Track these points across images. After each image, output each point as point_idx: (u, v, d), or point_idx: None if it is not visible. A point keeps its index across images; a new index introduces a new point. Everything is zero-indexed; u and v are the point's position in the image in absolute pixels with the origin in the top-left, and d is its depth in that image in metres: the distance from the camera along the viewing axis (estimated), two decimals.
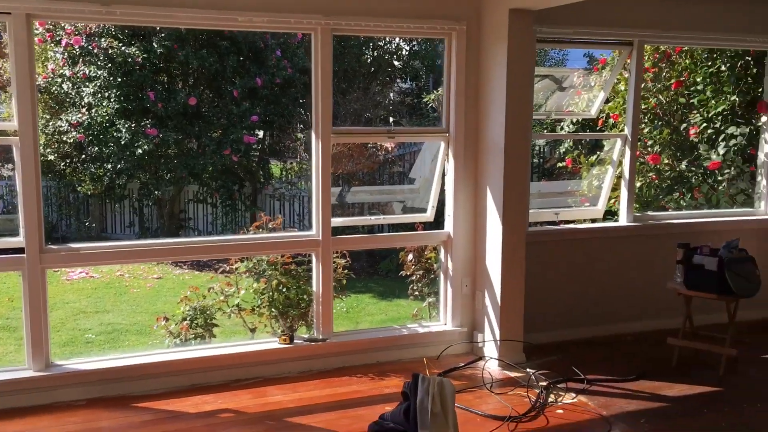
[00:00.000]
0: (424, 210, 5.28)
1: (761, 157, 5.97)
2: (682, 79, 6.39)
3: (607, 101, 6.46)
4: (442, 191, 5.13)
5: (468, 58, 4.85)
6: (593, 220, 5.97)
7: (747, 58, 6.22)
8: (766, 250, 5.78)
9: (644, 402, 4.26)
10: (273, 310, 4.96)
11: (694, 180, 6.35)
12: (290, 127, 10.32)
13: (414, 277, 5.41)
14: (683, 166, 6.35)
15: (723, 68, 6.23)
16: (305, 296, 4.95)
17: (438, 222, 5.30)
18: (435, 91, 8.74)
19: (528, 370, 4.67)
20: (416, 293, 5.44)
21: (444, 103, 4.98)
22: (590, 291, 5.39)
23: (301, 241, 4.76)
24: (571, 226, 5.59)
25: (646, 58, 6.49)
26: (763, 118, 5.92)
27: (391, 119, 7.55)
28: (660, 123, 6.43)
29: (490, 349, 4.89)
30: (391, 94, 10.12)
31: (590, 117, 6.07)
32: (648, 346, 5.25)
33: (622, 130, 5.61)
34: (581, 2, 4.58)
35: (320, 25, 4.50)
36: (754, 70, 6.16)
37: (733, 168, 6.09)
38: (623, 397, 4.33)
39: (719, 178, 6.21)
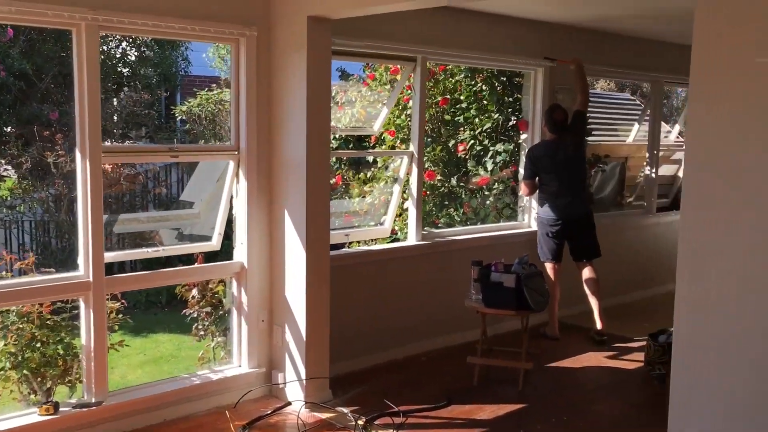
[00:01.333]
0: (208, 238, 4.64)
1: (521, 172, 6.30)
2: (447, 96, 6.52)
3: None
4: (230, 216, 4.56)
5: (259, 67, 4.35)
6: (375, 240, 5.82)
7: (502, 78, 6.55)
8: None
9: (463, 429, 4.13)
10: (24, 372, 3.96)
11: (464, 195, 6.51)
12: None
13: (199, 316, 4.73)
14: (453, 182, 6.47)
15: (484, 87, 6.48)
16: (68, 351, 4.04)
17: (225, 251, 4.70)
18: (187, 102, 7.99)
19: (340, 408, 4.31)
20: (202, 333, 4.76)
21: (232, 117, 4.41)
22: (385, 313, 5.20)
23: (66, 285, 3.85)
24: (366, 248, 5.35)
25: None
26: (523, 136, 6.27)
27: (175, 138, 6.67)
28: (430, 140, 6.49)
29: (294, 390, 4.42)
30: (121, 104, 9.05)
31: (372, 133, 5.91)
32: (445, 364, 5.19)
33: (408, 147, 5.52)
34: (371, 16, 4.39)
35: (85, 21, 3.68)
36: (511, 91, 6.51)
37: (499, 183, 6.36)
38: (442, 428, 4.17)
39: (486, 193, 6.45)
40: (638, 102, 10.55)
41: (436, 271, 5.50)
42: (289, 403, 4.34)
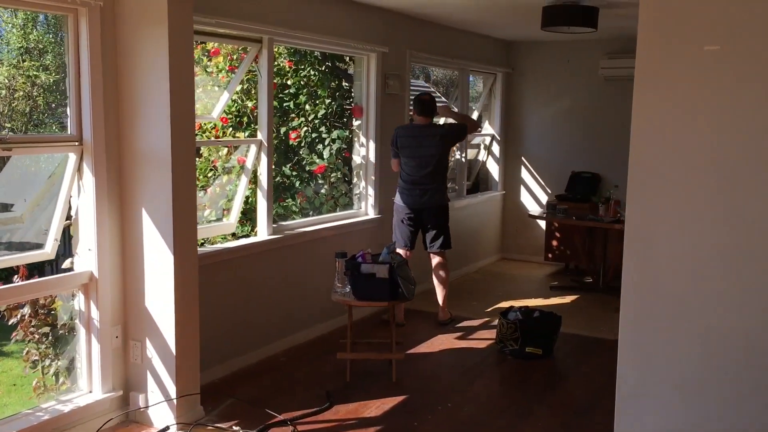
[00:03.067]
0: (39, 245, 3.89)
1: (357, 159, 6.22)
2: (274, 81, 6.19)
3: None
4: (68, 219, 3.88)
5: (104, 44, 3.72)
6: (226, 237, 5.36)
7: (327, 63, 6.38)
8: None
9: (359, 430, 3.95)
10: None
11: (298, 184, 6.25)
12: None
13: (32, 339, 3.96)
14: (287, 170, 6.18)
15: (312, 72, 6.26)
16: None
17: (60, 260, 3.99)
18: None
19: (218, 425, 3.89)
20: (35, 359, 3.99)
21: (71, 103, 3.72)
22: (239, 315, 4.81)
23: None
24: (217, 246, 4.87)
25: (235, 58, 6.09)
26: (356, 122, 6.18)
27: (6, 127, 5.35)
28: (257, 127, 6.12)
29: (158, 412, 3.90)
30: None
31: (212, 120, 5.40)
32: (306, 362, 4.95)
33: (254, 135, 5.14)
34: None
35: None
36: (339, 77, 6.37)
37: (339, 171, 6.19)
38: (336, 431, 3.96)
39: (320, 181, 6.25)
40: (432, 90, 11.00)
41: (288, 265, 5.22)
42: (167, 428, 3.82)
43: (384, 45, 6.04)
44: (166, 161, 3.72)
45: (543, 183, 8.47)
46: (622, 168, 8.00)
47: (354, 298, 4.59)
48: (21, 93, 7.43)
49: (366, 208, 6.19)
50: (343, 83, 6.44)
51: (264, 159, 5.02)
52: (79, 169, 3.78)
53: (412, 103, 6.06)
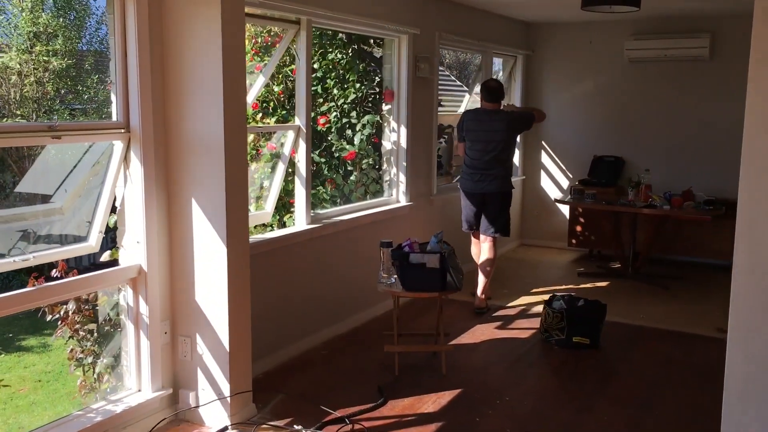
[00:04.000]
0: (82, 238, 3.70)
1: (386, 145, 6.05)
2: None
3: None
4: (114, 210, 3.69)
5: (152, 25, 3.52)
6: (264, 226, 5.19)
7: (354, 46, 6.18)
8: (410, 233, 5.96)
9: (421, 427, 3.81)
10: None
11: (327, 171, 6.07)
12: None
13: (76, 336, 3.78)
14: (316, 157, 6.00)
15: (339, 56, 6.07)
16: None
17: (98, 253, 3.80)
18: None
19: (274, 423, 3.74)
20: (80, 356, 3.81)
21: (118, 87, 3.52)
22: (282, 307, 4.65)
23: None
24: (261, 236, 4.69)
25: (259, 41, 5.89)
26: (387, 107, 6.00)
27: (55, 115, 5.10)
28: (285, 112, 5.93)
29: (210, 411, 3.74)
30: None
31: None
32: (350, 355, 4.80)
33: (282, 120, 4.95)
34: None
35: None
36: (367, 60, 6.18)
37: (369, 157, 6.02)
38: (395, 428, 3.81)
39: (349, 168, 6.07)
40: (448, 73, 10.80)
41: (326, 255, 5.05)
42: (225, 428, 3.66)
43: (415, 26, 5.86)
44: (219, 148, 3.53)
45: (564, 167, 8.33)
46: (646, 151, 8.10)
47: (402, 289, 4.44)
48: (32, 78, 7.19)
49: (397, 195, 6.02)
50: (370, 66, 6.25)
51: (302, 146, 4.83)
52: (125, 158, 3.59)
53: (480, 87, 5.86)
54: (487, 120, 5.66)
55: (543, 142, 8.39)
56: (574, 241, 7.94)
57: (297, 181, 4.88)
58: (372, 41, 6.34)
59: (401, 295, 4.48)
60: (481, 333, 5.31)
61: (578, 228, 7.88)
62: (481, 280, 5.78)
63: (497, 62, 8.20)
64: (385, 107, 6.01)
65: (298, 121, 4.84)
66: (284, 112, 5.77)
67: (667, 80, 7.63)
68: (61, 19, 8.24)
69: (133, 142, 3.55)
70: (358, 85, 6.02)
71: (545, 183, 8.45)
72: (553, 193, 8.37)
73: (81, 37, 8.63)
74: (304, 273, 4.86)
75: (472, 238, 6.00)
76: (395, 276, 4.55)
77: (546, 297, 5.35)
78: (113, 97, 3.59)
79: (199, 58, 3.52)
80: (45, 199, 4.03)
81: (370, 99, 6.10)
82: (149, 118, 3.55)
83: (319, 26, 4.95)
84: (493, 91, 5.73)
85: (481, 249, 5.84)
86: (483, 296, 5.78)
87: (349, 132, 6.04)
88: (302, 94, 4.81)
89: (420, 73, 6.02)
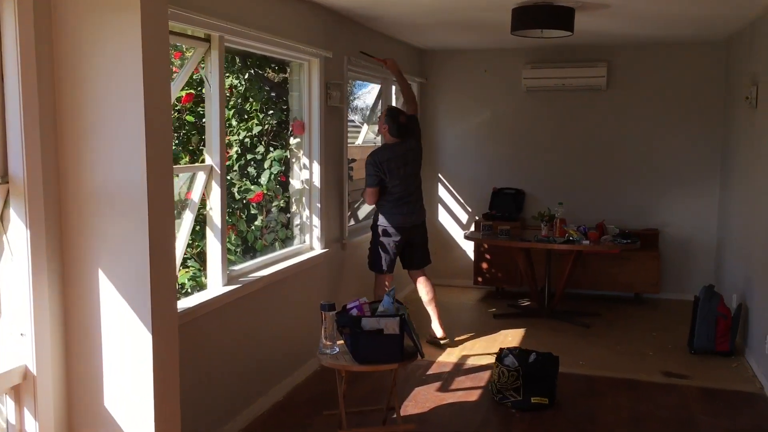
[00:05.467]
0: None
1: (295, 184, 5.26)
2: (191, 92, 5.06)
3: None
4: None
5: (38, 37, 2.55)
6: None
7: (251, 71, 5.36)
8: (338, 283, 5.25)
9: None
10: None
11: (228, 217, 5.15)
12: None
13: None
14: None
15: (237, 82, 5.22)
16: None
17: None
18: None
19: None
20: None
21: None
22: (200, 386, 3.71)
23: None
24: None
25: None
26: (295, 140, 5.22)
27: None
28: (175, 148, 4.96)
29: None
30: None
31: None
32: None
33: (201, 159, 4.05)
34: None
35: None
36: (268, 88, 5.37)
37: (281, 199, 5.17)
38: None
39: (253, 212, 5.19)
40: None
41: (245, 319, 4.17)
42: None
43: (327, 49, 5.15)
44: (139, 200, 2.60)
45: (463, 201, 7.91)
46: (548, 183, 7.89)
47: (354, 362, 3.66)
48: None
49: (311, 242, 5.23)
50: (271, 94, 5.45)
51: (216, 189, 3.95)
52: (1, 219, 2.57)
53: (386, 120, 5.37)
54: (402, 154, 5.44)
55: (439, 175, 7.93)
56: (480, 278, 7.51)
57: (209, 233, 3.97)
58: (270, 67, 5.53)
59: (355, 369, 3.70)
60: (425, 399, 4.63)
61: (484, 265, 7.47)
62: (436, 311, 5.74)
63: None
64: (293, 140, 5.23)
65: (210, 159, 3.95)
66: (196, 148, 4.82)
67: (566, 109, 7.46)
68: None
69: (14, 197, 2.54)
70: (261, 116, 5.18)
71: (443, 217, 7.98)
72: (452, 227, 7.92)
73: None
74: (223, 344, 3.95)
75: (382, 281, 5.55)
76: (337, 344, 3.78)
77: (471, 345, 4.93)
78: None
79: (108, 81, 2.59)
80: None
81: (274, 131, 5.29)
82: (37, 164, 2.56)
83: (230, 45, 4.09)
84: (403, 127, 5.47)
85: (421, 284, 5.73)
86: (442, 328, 5.72)
87: (252, 170, 5.18)
88: (214, 127, 3.93)
89: (331, 102, 5.31)
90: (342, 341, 3.80)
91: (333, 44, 5.27)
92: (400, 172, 5.41)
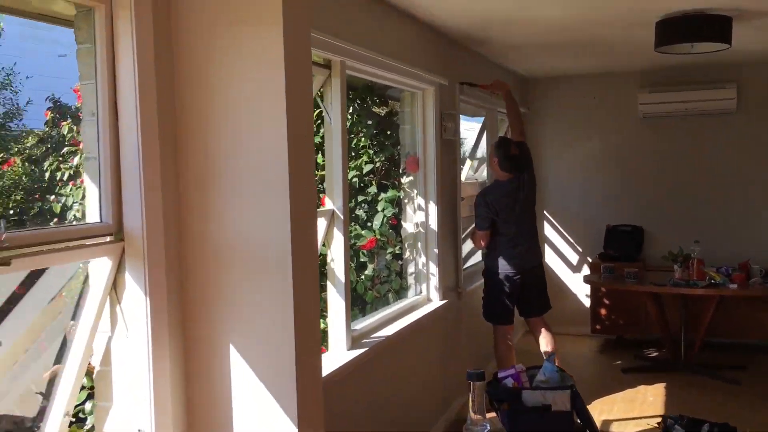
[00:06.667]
0: (27, 422, 2.11)
1: (408, 227, 4.70)
2: None
3: None
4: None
5: (158, 60, 2.07)
6: None
7: (357, 102, 4.88)
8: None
9: None
10: None
11: None
12: None
13: None
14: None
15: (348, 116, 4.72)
16: None
17: None
18: None
19: None
20: None
21: (104, 167, 2.02)
22: None
23: None
24: None
25: None
26: (408, 179, 4.68)
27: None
28: None
29: None
30: None
31: None
32: None
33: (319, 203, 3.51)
34: None
35: None
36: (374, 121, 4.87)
37: (395, 245, 4.63)
38: None
39: (362, 259, 4.64)
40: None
41: (370, 386, 3.59)
42: None
43: (443, 76, 4.62)
44: (280, 258, 2.07)
45: (573, 241, 7.22)
46: (670, 219, 7.14)
47: None
48: None
49: (428, 292, 4.64)
50: (377, 128, 4.94)
51: (339, 238, 3.41)
52: (114, 285, 2.07)
53: (496, 153, 4.74)
54: (514, 190, 4.78)
55: (545, 212, 7.27)
56: (598, 326, 6.76)
57: (331, 288, 3.43)
58: (373, 99, 5.03)
59: None
60: None
61: (603, 311, 6.73)
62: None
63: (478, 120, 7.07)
64: (405, 179, 4.69)
65: (331, 203, 3.42)
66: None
67: (690, 137, 6.72)
68: None
69: (131, 257, 2.04)
70: (371, 152, 4.66)
71: (550, 258, 7.28)
72: (561, 269, 7.23)
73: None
74: (344, 414, 3.37)
75: (504, 333, 4.87)
76: (488, 423, 3.14)
77: (609, 406, 4.32)
78: (89, 183, 2.08)
79: (241, 116, 2.08)
80: None
81: (385, 169, 4.76)
82: (158, 217, 2.06)
83: (351, 73, 3.59)
84: (515, 160, 4.78)
85: (541, 333, 5.02)
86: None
87: (362, 213, 4.65)
88: (336, 165, 3.41)
89: (446, 135, 4.76)
90: (493, 414, 3.17)
91: (446, 71, 4.74)
92: (513, 210, 4.78)
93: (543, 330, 5.04)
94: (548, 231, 7.29)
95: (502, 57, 5.91)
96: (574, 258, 7.21)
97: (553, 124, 7.20)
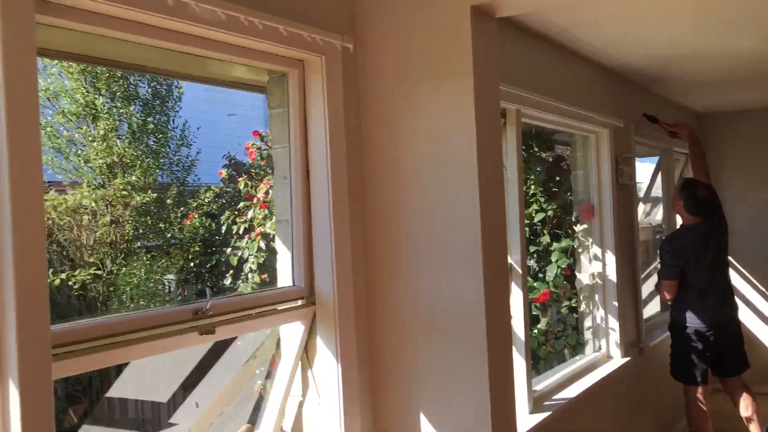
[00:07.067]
0: None
1: (583, 278, 4.43)
2: None
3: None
4: None
5: (348, 116, 2.05)
6: None
7: (532, 149, 4.71)
8: None
9: None
10: None
11: None
12: None
13: None
14: None
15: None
16: None
17: None
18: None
19: None
20: None
21: (296, 225, 2.02)
22: None
23: None
24: None
25: None
26: (582, 227, 4.43)
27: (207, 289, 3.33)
28: None
29: None
30: None
31: None
32: None
33: None
34: None
35: None
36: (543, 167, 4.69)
37: (571, 298, 4.40)
38: None
39: (534, 312, 4.43)
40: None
41: None
42: None
43: (618, 118, 4.38)
44: (473, 323, 1.95)
45: (765, 289, 6.55)
46: None
47: None
48: (108, 218, 5.87)
49: (608, 349, 4.33)
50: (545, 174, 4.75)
51: (518, 293, 3.25)
52: (307, 349, 2.04)
53: (681, 196, 4.40)
54: (704, 236, 4.36)
55: (730, 258, 6.64)
56: None
57: (515, 354, 3.25)
58: (539, 144, 4.85)
59: None
60: None
61: None
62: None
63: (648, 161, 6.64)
64: (579, 227, 4.44)
65: (509, 257, 3.28)
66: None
67: None
68: (140, 145, 7.04)
69: (323, 322, 2.00)
70: (542, 200, 4.48)
71: (741, 309, 6.62)
72: (753, 322, 6.56)
73: (162, 165, 7.41)
74: None
75: (697, 394, 4.37)
76: None
77: None
78: (280, 246, 2.08)
79: (433, 175, 2.01)
80: (155, 412, 2.47)
81: (557, 217, 4.55)
82: (348, 281, 2.01)
83: (524, 120, 3.46)
84: (704, 203, 4.38)
85: (741, 400, 4.50)
86: None
87: (532, 263, 4.46)
88: (513, 216, 3.26)
89: (622, 180, 4.48)
90: None
91: (621, 112, 4.49)
92: (703, 258, 4.37)
93: (741, 388, 4.55)
94: (736, 280, 6.67)
95: (681, 95, 5.54)
96: (766, 308, 6.54)
97: (734, 162, 6.63)
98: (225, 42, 1.74)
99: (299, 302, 2.00)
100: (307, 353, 2.04)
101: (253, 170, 5.38)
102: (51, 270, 5.34)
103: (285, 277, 2.04)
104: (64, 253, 5.59)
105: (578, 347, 4.40)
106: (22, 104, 1.28)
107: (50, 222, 5.44)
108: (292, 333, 2.02)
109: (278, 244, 2.07)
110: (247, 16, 1.66)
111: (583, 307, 4.45)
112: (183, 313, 1.64)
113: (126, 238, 6.05)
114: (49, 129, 6.48)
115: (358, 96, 2.07)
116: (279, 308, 1.96)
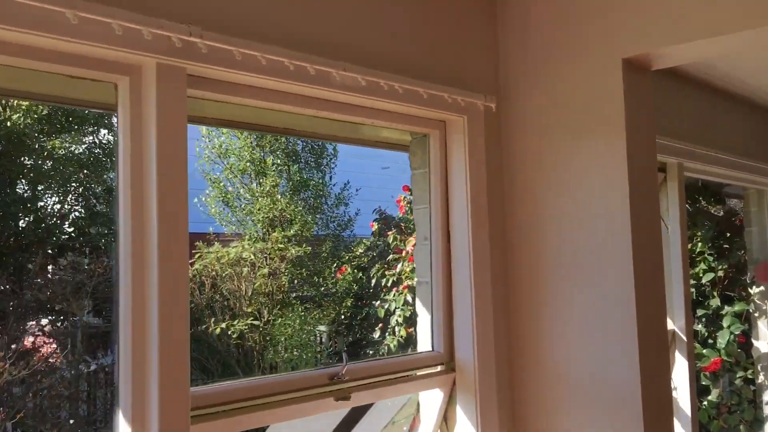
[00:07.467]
0: None
1: (761, 346, 4.01)
2: None
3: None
4: None
5: (490, 178, 2.00)
6: None
7: (698, 204, 4.37)
8: None
9: None
10: None
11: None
12: None
13: None
14: None
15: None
16: None
17: None
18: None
19: None
20: None
21: (436, 290, 1.98)
22: None
23: None
24: None
25: None
26: (758, 289, 4.03)
27: (344, 349, 3.61)
28: None
29: None
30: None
31: None
32: None
33: None
34: None
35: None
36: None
37: (747, 368, 3.99)
38: None
39: (703, 382, 4.04)
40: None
41: None
42: None
43: None
44: (628, 397, 1.79)
45: None
46: None
47: None
48: (265, 270, 6.12)
49: None
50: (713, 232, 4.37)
51: (682, 363, 2.97)
52: (446, 417, 1.96)
53: None
54: None
55: None
56: None
57: (678, 427, 2.97)
58: (706, 199, 4.50)
59: None
60: None
61: None
62: None
63: None
64: (755, 289, 4.04)
65: (671, 322, 3.02)
66: None
67: None
68: (298, 201, 7.32)
69: (463, 390, 1.92)
70: (710, 259, 4.12)
71: None
72: None
73: (318, 220, 7.65)
74: None
75: None
76: None
77: None
78: (420, 308, 2.04)
79: (578, 230, 1.90)
80: None
81: (729, 278, 4.16)
82: (489, 348, 1.92)
83: (686, 174, 3.22)
84: None
85: None
86: None
87: (701, 328, 4.09)
88: (676, 278, 3.02)
89: None
90: None
91: None
92: None
93: None
94: None
95: None
96: None
97: None
98: (366, 107, 1.75)
99: (438, 368, 1.94)
100: (446, 422, 1.96)
101: (402, 224, 5.41)
102: (213, 319, 5.62)
103: (424, 340, 1.99)
104: (225, 303, 5.87)
105: (756, 424, 3.96)
106: (171, 170, 1.34)
107: (214, 273, 5.75)
108: (430, 399, 1.95)
109: (418, 307, 2.03)
110: (387, 81, 1.66)
111: (761, 378, 4.01)
112: (319, 377, 1.62)
113: (282, 289, 6.27)
114: (221, 184, 6.89)
115: (500, 154, 2.01)
116: (417, 374, 1.90)
